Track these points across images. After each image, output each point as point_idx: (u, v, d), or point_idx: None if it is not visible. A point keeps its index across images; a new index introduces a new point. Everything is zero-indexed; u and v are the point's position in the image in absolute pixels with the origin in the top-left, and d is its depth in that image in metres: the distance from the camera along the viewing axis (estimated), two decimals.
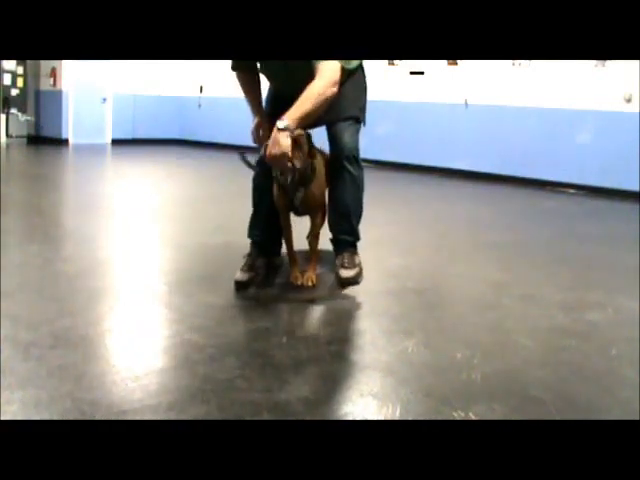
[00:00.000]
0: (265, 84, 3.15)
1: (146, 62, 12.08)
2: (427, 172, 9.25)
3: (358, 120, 3.06)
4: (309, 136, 2.90)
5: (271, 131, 2.72)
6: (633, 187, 7.54)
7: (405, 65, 9.63)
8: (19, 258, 3.50)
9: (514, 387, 2.14)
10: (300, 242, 3.29)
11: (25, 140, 11.49)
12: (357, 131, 3.04)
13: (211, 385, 2.01)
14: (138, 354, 2.28)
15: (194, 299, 2.90)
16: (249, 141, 3.24)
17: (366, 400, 1.99)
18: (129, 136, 12.38)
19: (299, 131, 2.75)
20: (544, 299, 3.20)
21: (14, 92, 11.36)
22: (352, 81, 3.00)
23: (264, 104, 3.18)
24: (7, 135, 11.19)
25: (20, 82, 11.44)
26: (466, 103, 9.09)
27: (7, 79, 11.25)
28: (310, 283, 3.10)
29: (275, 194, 3.03)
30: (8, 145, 10.86)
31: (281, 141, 2.65)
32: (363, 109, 3.11)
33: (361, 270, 3.01)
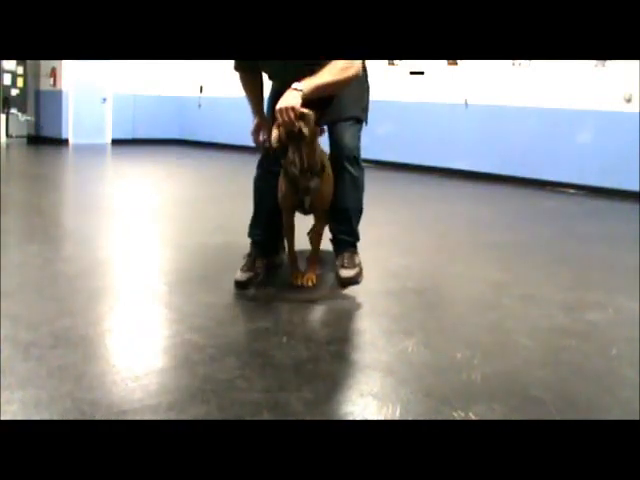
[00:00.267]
0: (267, 84, 3.15)
1: (146, 62, 12.09)
2: (427, 172, 9.25)
3: (359, 120, 3.06)
4: (317, 121, 2.83)
5: (271, 131, 2.71)
6: (633, 187, 7.54)
7: (405, 65, 9.63)
8: (19, 258, 3.50)
9: (514, 387, 2.14)
10: (300, 242, 3.28)
11: (25, 140, 11.50)
12: (358, 131, 3.04)
13: (211, 385, 2.00)
14: (138, 354, 2.28)
15: (194, 299, 2.90)
16: (249, 141, 3.24)
17: (366, 400, 1.99)
18: (129, 136, 12.39)
19: (309, 111, 2.72)
20: (544, 299, 3.20)
21: (14, 92, 11.37)
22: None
23: (266, 102, 3.18)
24: (7, 135, 11.21)
25: (20, 82, 11.45)
26: (466, 103, 9.09)
27: (7, 79, 11.27)
28: (310, 283, 3.10)
29: (281, 193, 3.00)
30: (8, 145, 10.87)
31: (291, 96, 2.67)
32: (365, 109, 3.10)
33: (361, 270, 3.01)
